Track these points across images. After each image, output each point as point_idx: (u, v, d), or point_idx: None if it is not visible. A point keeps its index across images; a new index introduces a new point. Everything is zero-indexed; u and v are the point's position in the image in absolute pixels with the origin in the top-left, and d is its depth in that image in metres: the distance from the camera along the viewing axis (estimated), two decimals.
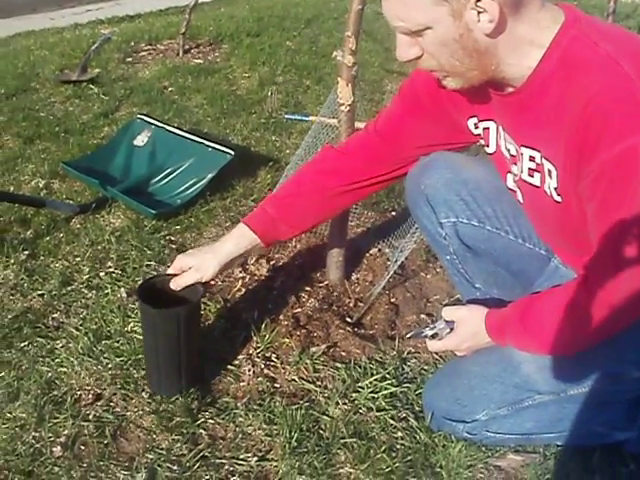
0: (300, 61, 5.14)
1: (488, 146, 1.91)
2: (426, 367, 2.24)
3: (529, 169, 1.73)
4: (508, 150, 1.80)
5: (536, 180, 1.73)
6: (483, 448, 1.94)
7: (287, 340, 2.29)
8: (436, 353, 2.22)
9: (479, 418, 1.89)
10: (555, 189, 1.67)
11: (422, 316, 2.47)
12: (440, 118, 1.97)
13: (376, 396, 2.10)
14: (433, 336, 1.92)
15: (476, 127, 1.91)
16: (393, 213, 2.92)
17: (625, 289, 1.55)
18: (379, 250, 2.81)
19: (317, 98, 4.41)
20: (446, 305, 2.50)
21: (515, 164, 1.79)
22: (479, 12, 1.49)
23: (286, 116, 4.14)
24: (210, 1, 7.24)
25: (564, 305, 1.65)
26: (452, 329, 1.90)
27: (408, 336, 2.09)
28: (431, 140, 2.05)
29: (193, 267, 2.03)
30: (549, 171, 1.66)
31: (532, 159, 1.71)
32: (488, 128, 1.87)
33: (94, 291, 2.51)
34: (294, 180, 2.19)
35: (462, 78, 1.65)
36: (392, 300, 2.55)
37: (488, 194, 2.03)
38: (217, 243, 2.11)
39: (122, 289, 2.51)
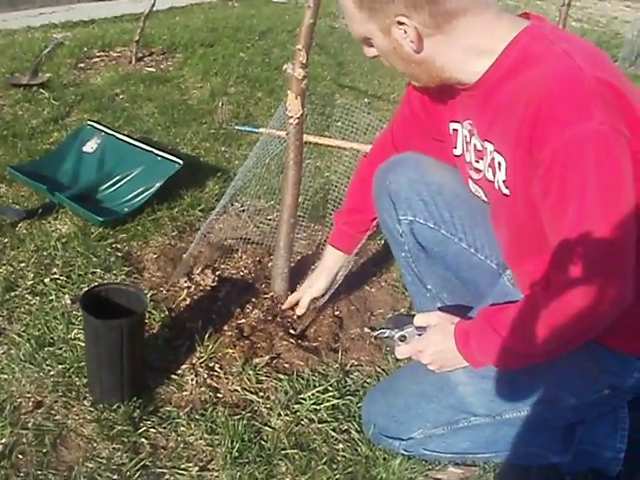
0: (252, 73, 5.14)
1: (456, 147, 1.95)
2: (369, 380, 2.26)
3: (487, 164, 1.77)
4: (475, 146, 1.83)
5: (490, 174, 1.77)
6: (423, 461, 1.97)
7: (231, 350, 2.29)
8: (397, 360, 2.22)
9: (415, 436, 1.91)
10: (503, 182, 1.70)
11: (366, 329, 2.48)
12: (427, 123, 2.08)
13: (318, 408, 2.12)
14: (401, 339, 1.92)
15: (450, 127, 1.96)
16: None
17: (586, 291, 1.55)
18: None
19: (268, 110, 4.42)
20: (390, 318, 2.53)
21: (481, 159, 1.81)
22: (404, 31, 1.62)
23: (236, 127, 4.14)
24: (165, 10, 7.21)
25: (529, 305, 1.67)
26: (421, 335, 1.90)
27: (374, 335, 2.10)
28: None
29: (315, 291, 2.45)
30: (499, 164, 1.70)
31: (489, 153, 1.75)
32: (457, 130, 1.92)
33: (38, 297, 2.48)
34: (355, 191, 2.40)
35: (416, 80, 1.80)
36: (336, 313, 2.57)
37: (448, 199, 2.06)
38: (312, 277, 2.49)
39: (67, 296, 2.49)
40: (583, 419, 1.95)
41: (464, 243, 2.06)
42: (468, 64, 1.67)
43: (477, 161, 1.84)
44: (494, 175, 1.74)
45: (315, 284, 2.44)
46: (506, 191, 1.71)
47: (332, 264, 2.44)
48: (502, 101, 1.64)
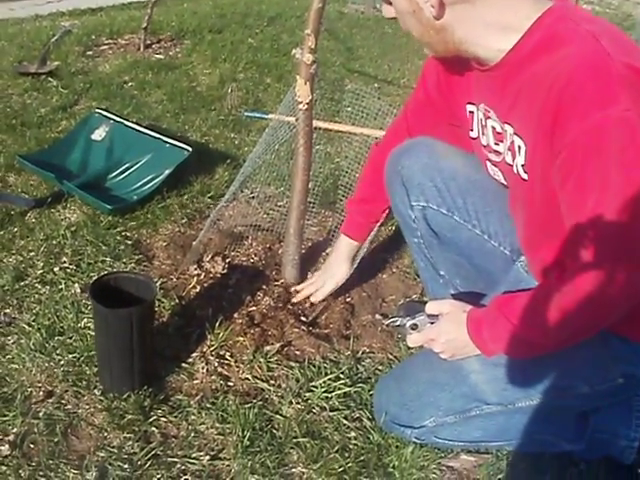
0: (261, 59, 5.12)
1: (472, 130, 1.92)
2: (380, 367, 2.25)
3: (507, 147, 1.74)
4: (493, 128, 1.80)
5: (509, 158, 1.74)
6: (436, 449, 1.95)
7: (241, 338, 2.28)
8: (408, 348, 2.17)
9: (426, 424, 1.89)
10: (522, 166, 1.67)
11: (377, 316, 2.48)
12: (442, 106, 2.06)
13: (330, 396, 2.11)
14: (412, 327, 1.89)
15: (466, 108, 1.93)
16: None
17: (600, 277, 1.52)
18: None
19: (277, 96, 4.40)
20: (401, 304, 2.52)
21: (501, 142, 1.78)
22: None
23: (245, 113, 4.12)
24: None
25: (542, 293, 1.65)
26: (433, 323, 1.87)
27: (385, 323, 2.09)
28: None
29: (333, 284, 2.44)
30: (518, 147, 1.67)
31: (509, 136, 1.71)
32: (473, 112, 1.89)
33: (48, 286, 2.48)
34: (367, 180, 2.41)
35: (430, 48, 1.73)
36: (347, 299, 2.55)
37: (462, 185, 2.04)
38: (333, 266, 2.47)
39: (76, 285, 2.48)
40: (597, 408, 1.93)
41: (477, 229, 2.04)
42: (489, 40, 1.63)
43: (496, 144, 1.81)
44: (513, 159, 1.71)
45: (337, 273, 2.44)
46: (524, 176, 1.68)
47: (347, 252, 2.43)
48: (524, 83, 1.60)
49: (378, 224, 2.40)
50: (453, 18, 1.61)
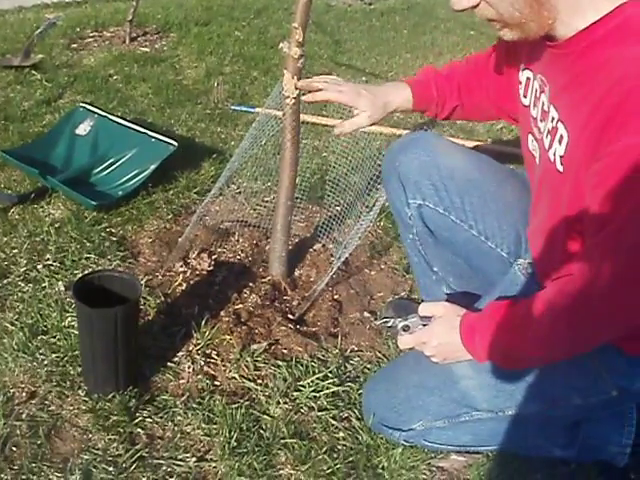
0: (248, 52, 5.07)
1: (525, 97, 1.86)
2: (369, 365, 2.23)
3: (547, 129, 1.68)
4: (543, 103, 1.72)
5: (547, 142, 1.68)
6: (426, 450, 1.93)
7: (228, 337, 2.25)
8: (399, 350, 2.14)
9: (415, 428, 1.87)
10: (561, 157, 1.59)
11: (365, 314, 2.45)
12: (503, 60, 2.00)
13: (318, 395, 2.09)
14: (404, 329, 1.85)
15: (522, 73, 1.87)
16: (338, 208, 2.89)
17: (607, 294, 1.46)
18: (323, 246, 2.79)
19: (264, 89, 4.36)
20: (390, 302, 2.49)
21: (544, 120, 1.71)
22: None
23: (232, 107, 4.09)
24: None
25: (538, 302, 1.59)
26: (425, 325, 1.83)
27: (377, 323, 2.06)
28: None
29: (367, 112, 2.08)
30: (560, 137, 1.59)
31: (552, 119, 1.65)
32: (529, 79, 1.82)
33: (31, 284, 2.45)
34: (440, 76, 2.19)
35: (519, 30, 1.58)
36: (335, 297, 2.53)
37: (460, 185, 2.01)
38: (387, 95, 2.13)
39: (60, 282, 2.45)
40: (589, 418, 1.90)
41: (474, 230, 2.01)
42: (578, 17, 1.52)
43: (541, 120, 1.74)
44: (551, 146, 1.64)
45: (375, 113, 2.10)
46: (560, 168, 1.60)
47: (393, 100, 2.13)
48: (585, 69, 1.52)
49: (436, 109, 2.18)
50: None
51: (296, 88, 2.18)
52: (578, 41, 1.53)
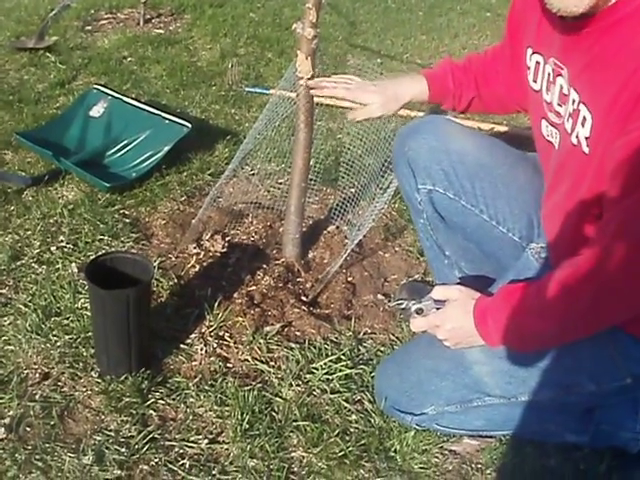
0: (263, 33, 5.05)
1: (535, 81, 1.83)
2: (382, 348, 2.22)
3: (569, 113, 1.64)
4: (561, 87, 1.69)
5: (569, 126, 1.64)
6: (438, 433, 1.93)
7: (241, 319, 2.24)
8: (412, 333, 2.13)
9: (427, 412, 1.86)
10: (586, 139, 1.56)
11: (379, 296, 2.44)
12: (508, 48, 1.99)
13: (330, 378, 2.08)
14: (417, 312, 1.84)
15: (530, 58, 1.84)
16: (352, 190, 2.87)
17: (618, 267, 1.46)
18: (337, 228, 2.78)
19: (279, 71, 4.33)
20: (404, 284, 2.48)
21: (564, 104, 1.68)
22: None
23: (246, 89, 4.07)
24: None
25: (550, 281, 1.58)
26: (439, 309, 1.82)
27: (390, 305, 2.05)
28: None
29: (377, 103, 2.09)
30: (584, 118, 1.56)
31: (573, 102, 1.62)
32: (539, 63, 1.79)
33: (44, 266, 2.45)
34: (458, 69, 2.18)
35: None
36: (349, 279, 2.52)
37: (470, 169, 2.00)
38: (400, 85, 2.15)
39: (73, 264, 2.45)
40: (602, 404, 1.88)
41: (485, 215, 1.99)
42: None
43: (560, 105, 1.71)
44: (573, 128, 1.61)
45: (386, 103, 2.11)
46: (586, 149, 1.57)
47: (410, 92, 2.14)
48: (608, 46, 1.49)
49: (453, 101, 2.17)
50: None
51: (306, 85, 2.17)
52: (601, 19, 1.50)
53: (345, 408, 2.00)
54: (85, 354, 2.09)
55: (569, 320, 1.58)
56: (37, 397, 1.95)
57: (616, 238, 1.46)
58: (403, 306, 1.88)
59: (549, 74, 1.74)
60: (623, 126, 1.42)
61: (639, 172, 1.41)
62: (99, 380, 2.01)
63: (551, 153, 1.78)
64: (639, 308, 1.54)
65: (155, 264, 2.40)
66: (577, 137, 1.60)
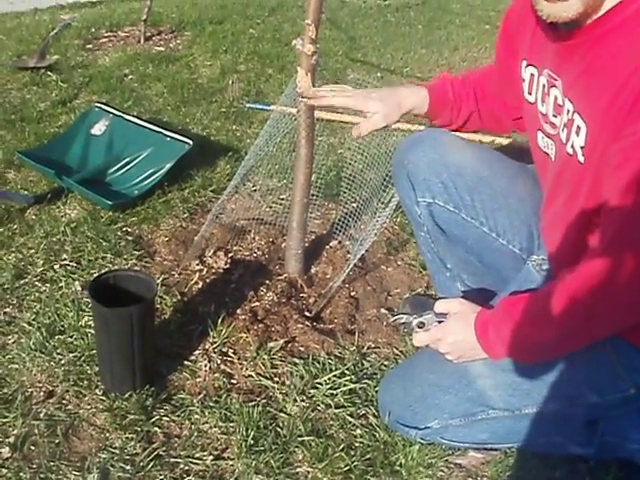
0: (263, 49, 5.07)
1: (530, 93, 1.83)
2: (386, 362, 2.22)
3: (563, 123, 1.65)
4: (555, 98, 1.70)
5: (564, 136, 1.65)
6: (443, 447, 1.92)
7: (244, 335, 2.25)
8: (415, 347, 2.10)
9: (431, 426, 1.86)
10: (581, 148, 1.57)
11: (382, 310, 2.44)
12: (503, 63, 1.98)
13: (335, 392, 2.08)
14: (419, 326, 1.84)
15: (524, 70, 1.85)
16: (354, 205, 2.88)
17: (618, 273, 1.46)
18: (339, 242, 2.78)
19: (279, 87, 4.35)
20: (407, 298, 2.48)
21: (559, 115, 1.69)
22: None
23: (247, 105, 4.09)
24: None
25: (551, 289, 1.59)
26: (441, 322, 1.82)
27: (391, 320, 2.05)
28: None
29: (380, 113, 2.03)
30: (578, 127, 1.57)
31: (567, 112, 1.63)
32: (534, 75, 1.80)
33: (48, 284, 2.45)
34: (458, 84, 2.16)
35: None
36: (352, 294, 2.52)
37: (469, 182, 2.00)
38: (400, 94, 2.10)
39: (77, 282, 2.46)
40: (607, 416, 1.88)
41: (485, 227, 2.00)
42: None
43: (555, 115, 1.72)
44: (568, 138, 1.62)
45: (389, 112, 2.05)
46: (582, 159, 1.58)
47: (411, 102, 2.09)
48: (601, 55, 1.50)
49: (451, 114, 2.15)
50: None
51: (302, 97, 2.16)
52: (592, 29, 1.51)
53: (350, 423, 1.99)
54: (89, 372, 2.09)
55: (570, 328, 1.59)
56: (42, 415, 1.95)
57: (614, 244, 1.47)
58: (404, 320, 1.89)
59: (544, 85, 1.75)
60: (618, 132, 1.43)
61: (634, 178, 1.41)
62: (103, 398, 2.01)
63: (548, 165, 1.79)
64: (638, 315, 1.54)
65: (158, 281, 2.40)
66: (572, 147, 1.61)
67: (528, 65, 1.82)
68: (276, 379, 2.13)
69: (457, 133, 2.13)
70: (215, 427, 1.95)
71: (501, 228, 1.99)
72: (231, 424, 1.96)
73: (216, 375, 2.12)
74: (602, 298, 1.51)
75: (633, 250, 1.44)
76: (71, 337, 2.21)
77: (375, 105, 2.04)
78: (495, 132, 2.64)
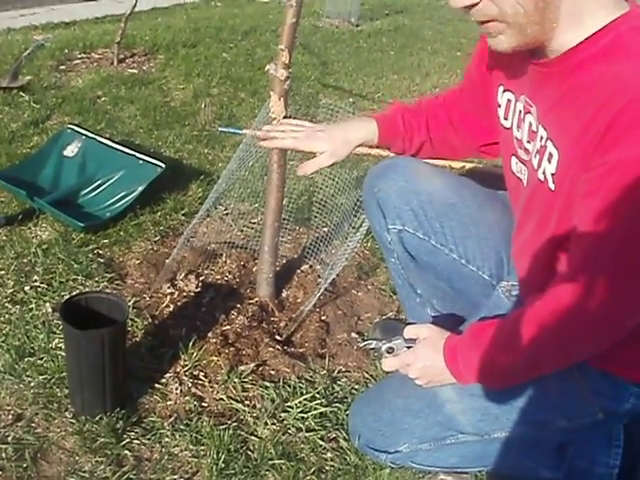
0: (236, 73, 5.10)
1: (506, 119, 1.83)
2: (357, 386, 2.23)
3: (536, 150, 1.65)
4: (530, 125, 1.69)
5: (535, 162, 1.65)
6: (413, 469, 1.93)
7: (215, 358, 2.25)
8: (384, 372, 2.05)
9: (401, 450, 1.86)
10: (552, 175, 1.57)
11: (353, 334, 2.46)
12: (478, 89, 1.97)
13: (305, 416, 2.09)
14: (388, 351, 1.84)
15: (502, 95, 1.84)
16: (325, 229, 2.90)
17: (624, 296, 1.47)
18: (310, 267, 2.79)
19: (252, 111, 4.38)
20: (377, 323, 2.50)
21: (532, 141, 1.68)
22: None
23: (220, 129, 4.09)
24: (147, 10, 7.15)
25: (518, 315, 1.59)
26: (410, 347, 1.82)
27: (361, 345, 2.06)
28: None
29: (327, 152, 2.03)
30: (550, 155, 1.57)
31: (541, 138, 1.63)
32: (510, 101, 1.80)
33: (18, 306, 2.44)
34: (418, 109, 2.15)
35: (520, 34, 1.52)
36: (323, 318, 2.54)
37: (439, 209, 2.01)
38: (349, 129, 2.09)
39: (47, 304, 2.45)
40: (576, 440, 1.90)
41: (455, 254, 2.02)
42: (576, 26, 1.48)
43: (528, 142, 1.71)
44: (539, 165, 1.62)
45: (336, 150, 2.05)
46: (552, 186, 1.58)
47: (362, 135, 2.09)
48: (574, 87, 1.50)
49: (403, 144, 2.13)
50: None
51: (256, 138, 2.16)
52: (568, 58, 1.51)
53: (320, 446, 2.00)
54: (59, 394, 2.08)
55: (537, 354, 1.60)
56: (9, 439, 1.93)
57: (582, 270, 1.49)
58: (373, 345, 1.89)
59: (520, 111, 1.75)
60: (588, 162, 1.44)
61: (602, 207, 1.42)
62: (73, 420, 2.00)
63: (520, 190, 1.80)
64: (606, 343, 1.57)
65: (129, 304, 2.40)
66: (544, 173, 1.61)
67: (505, 90, 1.83)
68: (247, 402, 2.13)
69: (428, 160, 2.15)
70: (186, 450, 1.95)
71: (471, 255, 2.01)
72: (202, 447, 1.96)
73: (187, 398, 2.12)
74: (569, 324, 1.52)
75: (601, 277, 1.46)
76: (41, 359, 2.20)
77: (321, 145, 2.04)
78: (449, 158, 2.65)
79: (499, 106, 1.86)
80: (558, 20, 1.48)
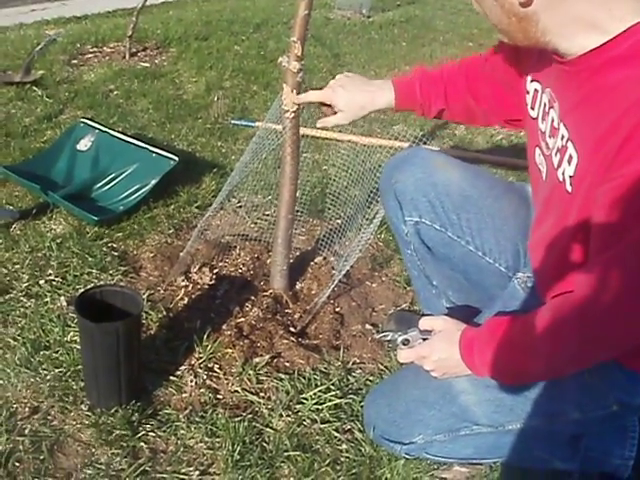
0: (248, 66, 5.09)
1: (533, 108, 1.81)
2: (371, 378, 2.23)
3: (557, 148, 1.64)
4: (552, 120, 1.68)
5: (556, 161, 1.64)
6: (428, 461, 1.93)
7: (230, 350, 2.25)
8: (399, 363, 2.05)
9: (416, 441, 1.86)
10: (570, 177, 1.56)
11: (367, 326, 2.46)
12: (508, 65, 1.95)
13: (320, 408, 2.09)
14: (404, 343, 1.85)
15: (530, 83, 1.83)
16: (338, 221, 2.89)
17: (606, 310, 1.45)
18: (324, 258, 2.79)
19: (264, 103, 4.37)
20: (391, 314, 2.49)
21: (553, 137, 1.67)
22: None
23: (232, 122, 4.10)
24: (158, 4, 7.14)
25: (537, 319, 1.58)
26: (425, 339, 1.82)
27: (376, 337, 2.05)
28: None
29: (343, 112, 2.12)
30: (570, 156, 1.55)
31: (562, 137, 1.61)
32: (537, 91, 1.78)
33: (33, 300, 2.45)
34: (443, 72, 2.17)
35: (507, 36, 1.57)
36: (337, 309, 2.53)
37: (456, 201, 2.01)
38: (367, 95, 2.14)
39: (62, 297, 2.45)
40: (590, 431, 1.89)
41: (471, 246, 2.01)
42: (576, 35, 1.48)
43: (550, 136, 1.70)
44: (560, 164, 1.61)
45: (349, 114, 2.13)
46: (569, 188, 1.56)
47: (373, 101, 2.14)
48: (598, 89, 1.48)
49: (422, 110, 2.15)
50: (541, 7, 1.46)
51: (294, 103, 2.19)
52: (590, 59, 1.49)
53: (335, 438, 2.00)
54: (75, 387, 2.08)
55: (556, 360, 1.59)
56: (26, 431, 1.94)
57: (602, 282, 1.46)
58: (389, 337, 1.90)
59: (545, 104, 1.73)
60: (606, 172, 1.41)
61: (624, 220, 1.40)
62: (89, 413, 2.01)
63: (540, 183, 1.79)
64: (625, 348, 1.55)
65: (144, 297, 2.40)
66: (563, 174, 1.59)
67: (533, 80, 1.81)
68: (262, 394, 2.13)
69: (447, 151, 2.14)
70: (201, 442, 1.95)
71: (487, 247, 2.00)
72: (217, 439, 1.96)
73: (202, 390, 2.12)
74: (588, 333, 1.51)
75: (623, 278, 1.43)
76: (56, 352, 2.21)
77: (341, 103, 2.12)
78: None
79: (527, 93, 1.84)
80: (546, 31, 1.49)
